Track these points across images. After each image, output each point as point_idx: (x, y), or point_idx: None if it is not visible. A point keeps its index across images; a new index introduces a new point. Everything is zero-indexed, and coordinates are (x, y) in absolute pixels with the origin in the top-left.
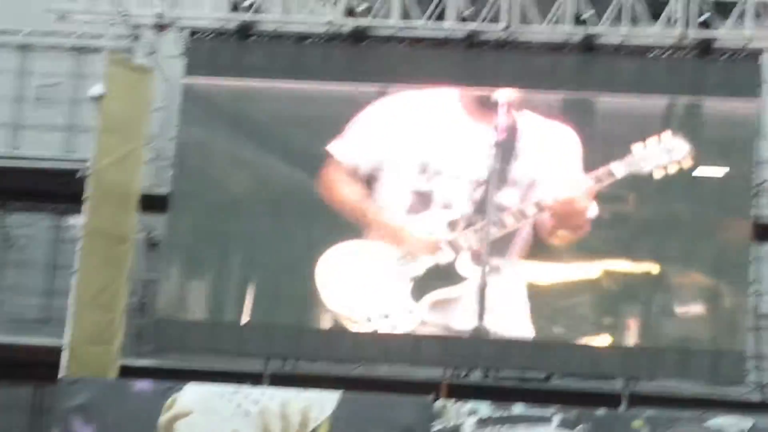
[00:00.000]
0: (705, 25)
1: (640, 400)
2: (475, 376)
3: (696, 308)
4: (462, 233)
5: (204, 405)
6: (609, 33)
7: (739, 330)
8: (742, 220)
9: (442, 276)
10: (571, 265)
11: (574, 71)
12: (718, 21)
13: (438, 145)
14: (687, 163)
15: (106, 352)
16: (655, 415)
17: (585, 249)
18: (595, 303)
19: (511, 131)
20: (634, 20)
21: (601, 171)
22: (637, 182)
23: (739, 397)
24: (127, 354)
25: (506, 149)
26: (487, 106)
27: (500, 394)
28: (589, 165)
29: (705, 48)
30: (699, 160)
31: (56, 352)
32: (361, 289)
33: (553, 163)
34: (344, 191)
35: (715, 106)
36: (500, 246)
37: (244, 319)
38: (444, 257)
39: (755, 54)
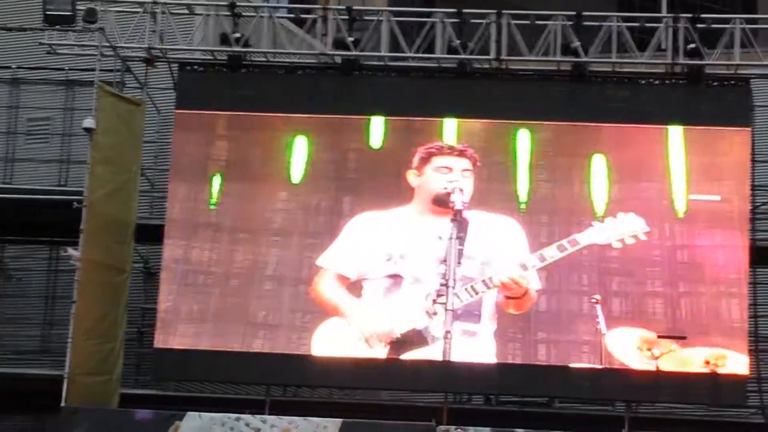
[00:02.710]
0: (694, 53)
1: (641, 424)
2: (476, 401)
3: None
4: (433, 304)
5: None
6: (598, 62)
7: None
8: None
9: (417, 339)
10: None
11: (564, 100)
12: (706, 49)
13: (403, 238)
14: (643, 236)
15: (106, 381)
16: None
17: None
18: None
19: (463, 220)
20: (623, 50)
21: (566, 240)
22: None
23: (741, 419)
24: (127, 383)
25: (461, 231)
26: (441, 205)
27: (501, 419)
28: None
29: (695, 76)
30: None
31: (56, 382)
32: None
33: (500, 245)
34: (328, 292)
35: (707, 133)
36: (470, 312)
37: (245, 347)
38: (421, 323)
39: (745, 80)
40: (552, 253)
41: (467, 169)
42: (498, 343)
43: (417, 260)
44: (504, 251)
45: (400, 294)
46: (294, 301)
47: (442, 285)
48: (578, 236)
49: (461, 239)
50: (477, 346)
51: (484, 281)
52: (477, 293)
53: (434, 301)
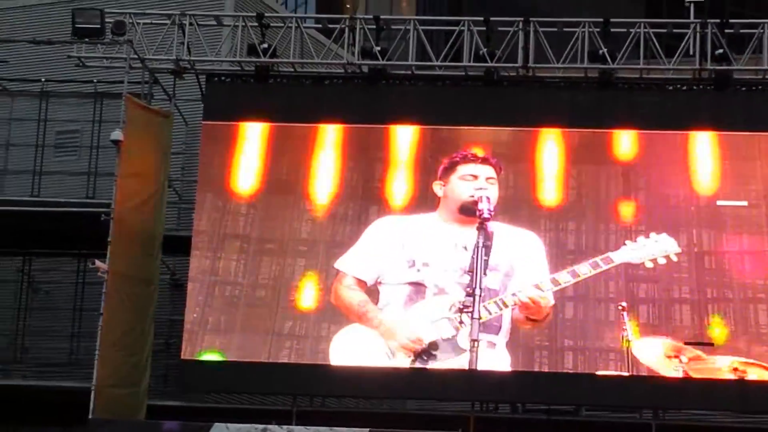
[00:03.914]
0: (722, 58)
1: (669, 431)
2: (503, 410)
3: None
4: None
5: None
6: (626, 68)
7: None
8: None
9: (443, 349)
10: None
11: (592, 107)
12: (734, 54)
13: (427, 245)
14: (674, 257)
15: (133, 393)
16: None
17: None
18: None
19: (488, 230)
20: (651, 56)
21: (600, 258)
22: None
23: None
24: (154, 394)
25: (487, 240)
26: (467, 214)
27: (528, 428)
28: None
29: (723, 81)
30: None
31: (84, 394)
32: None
33: (522, 260)
34: (348, 297)
35: (734, 138)
36: (491, 324)
37: (271, 357)
38: (446, 332)
39: None
40: (585, 270)
41: (492, 177)
42: (522, 352)
43: (441, 269)
44: (526, 267)
45: (423, 303)
46: (320, 311)
47: (468, 294)
48: (612, 254)
49: (488, 248)
50: (497, 357)
51: (514, 294)
52: (506, 306)
53: (460, 310)
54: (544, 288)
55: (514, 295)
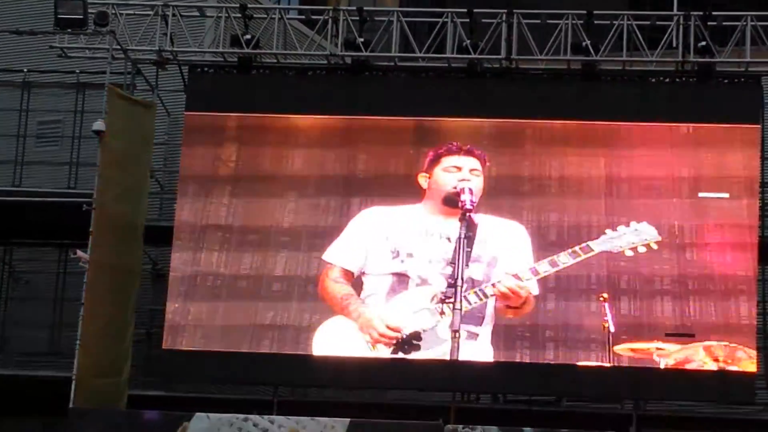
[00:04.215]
0: (704, 51)
1: (650, 422)
2: (484, 401)
3: None
4: (441, 303)
5: None
6: (609, 60)
7: None
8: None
9: (425, 340)
10: None
11: (575, 99)
12: (717, 47)
13: (411, 236)
14: (654, 245)
15: (114, 383)
16: None
17: None
18: None
19: (472, 222)
20: (634, 48)
21: (579, 247)
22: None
23: (750, 416)
24: (135, 384)
25: (469, 231)
26: (451, 205)
27: (509, 418)
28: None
29: (706, 73)
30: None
31: (65, 384)
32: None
33: (506, 250)
34: (333, 289)
35: (717, 130)
36: (473, 314)
37: (252, 347)
38: (427, 323)
39: (756, 78)
40: (564, 260)
41: (475, 169)
42: (503, 343)
43: (424, 260)
44: (510, 257)
45: (406, 294)
46: (302, 302)
47: (450, 285)
48: (592, 243)
49: (470, 239)
50: (479, 348)
51: (493, 284)
52: (486, 297)
53: (442, 301)
54: (523, 277)
55: (493, 285)
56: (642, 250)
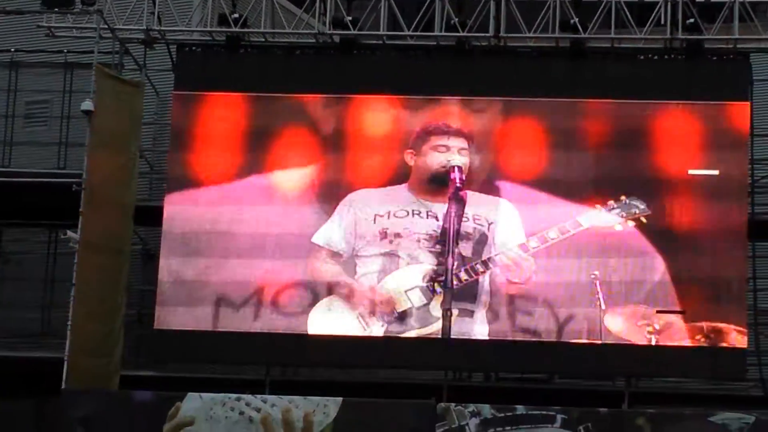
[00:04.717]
0: (693, 28)
1: (641, 398)
2: (476, 379)
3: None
4: (432, 282)
5: (206, 413)
6: (597, 38)
7: None
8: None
9: (416, 318)
10: None
11: (563, 76)
12: (705, 24)
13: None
14: (644, 219)
15: (106, 363)
16: (657, 412)
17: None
18: None
19: (461, 198)
20: (622, 25)
21: (568, 223)
22: None
23: (741, 392)
24: (127, 365)
25: (458, 210)
26: (439, 184)
27: (501, 396)
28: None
29: (694, 51)
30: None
31: (57, 364)
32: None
33: (496, 226)
34: (323, 270)
35: (706, 107)
36: (467, 291)
37: (244, 327)
38: (420, 301)
39: (744, 55)
40: (554, 235)
41: (464, 148)
42: (496, 321)
43: (413, 239)
44: (500, 233)
45: (397, 273)
46: (293, 282)
47: (440, 263)
48: (581, 218)
49: (459, 217)
50: (474, 325)
51: (484, 261)
52: (477, 274)
53: (433, 279)
54: (518, 252)
55: (483, 262)
56: (631, 224)
